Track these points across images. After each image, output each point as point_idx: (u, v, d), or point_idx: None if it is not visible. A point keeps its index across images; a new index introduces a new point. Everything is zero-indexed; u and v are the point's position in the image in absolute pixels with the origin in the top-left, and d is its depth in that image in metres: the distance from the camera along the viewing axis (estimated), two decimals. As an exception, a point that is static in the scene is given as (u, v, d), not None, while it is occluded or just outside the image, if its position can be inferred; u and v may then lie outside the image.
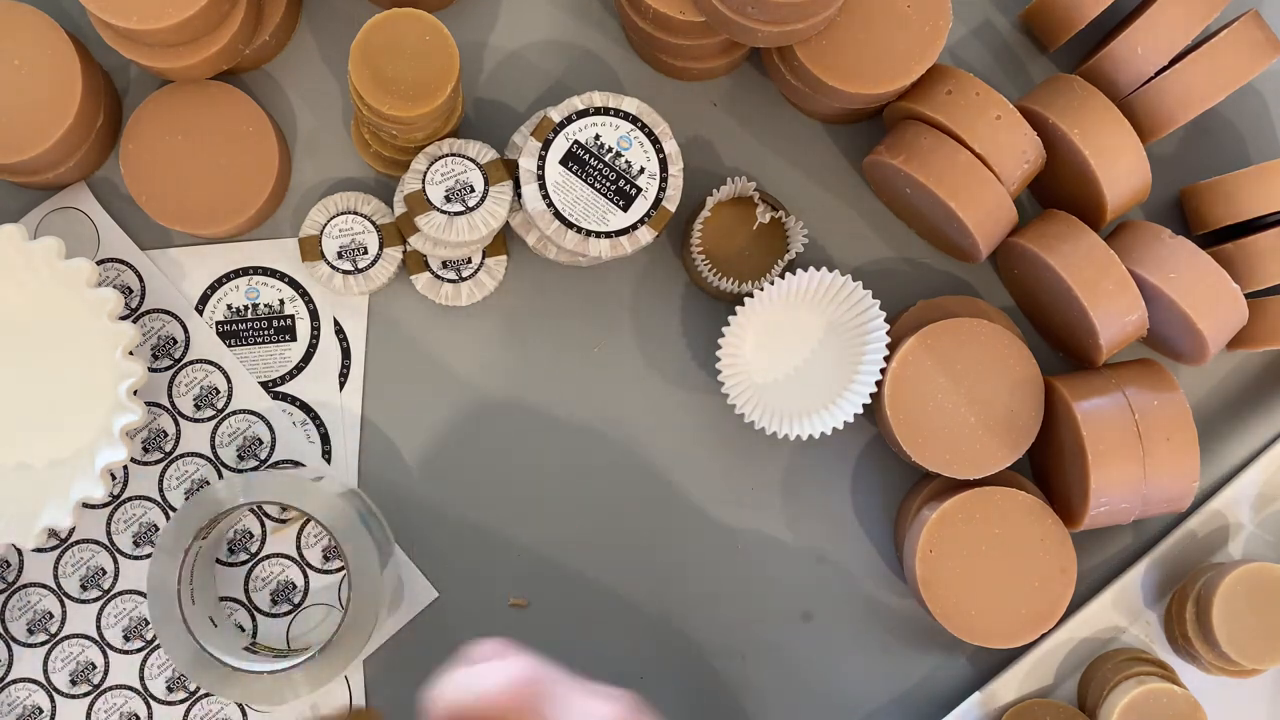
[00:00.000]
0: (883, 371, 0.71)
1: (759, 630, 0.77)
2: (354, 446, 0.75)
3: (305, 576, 0.74)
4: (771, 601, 0.77)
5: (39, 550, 0.74)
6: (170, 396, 0.75)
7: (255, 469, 0.75)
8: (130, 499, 0.74)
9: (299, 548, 0.74)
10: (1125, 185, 0.70)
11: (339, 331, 0.75)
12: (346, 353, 0.75)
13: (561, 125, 0.70)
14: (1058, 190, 0.73)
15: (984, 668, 0.77)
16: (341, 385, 0.75)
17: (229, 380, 0.75)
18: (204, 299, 0.75)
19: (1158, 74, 0.70)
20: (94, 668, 0.74)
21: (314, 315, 0.75)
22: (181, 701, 0.74)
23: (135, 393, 0.70)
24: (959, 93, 0.69)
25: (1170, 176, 0.77)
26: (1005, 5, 0.78)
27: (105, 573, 0.74)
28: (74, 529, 0.74)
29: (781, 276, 0.73)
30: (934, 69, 0.69)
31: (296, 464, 0.75)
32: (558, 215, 0.70)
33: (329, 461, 0.75)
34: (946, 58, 0.77)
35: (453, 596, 0.76)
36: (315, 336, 0.75)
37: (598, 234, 0.70)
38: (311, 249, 0.73)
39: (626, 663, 0.76)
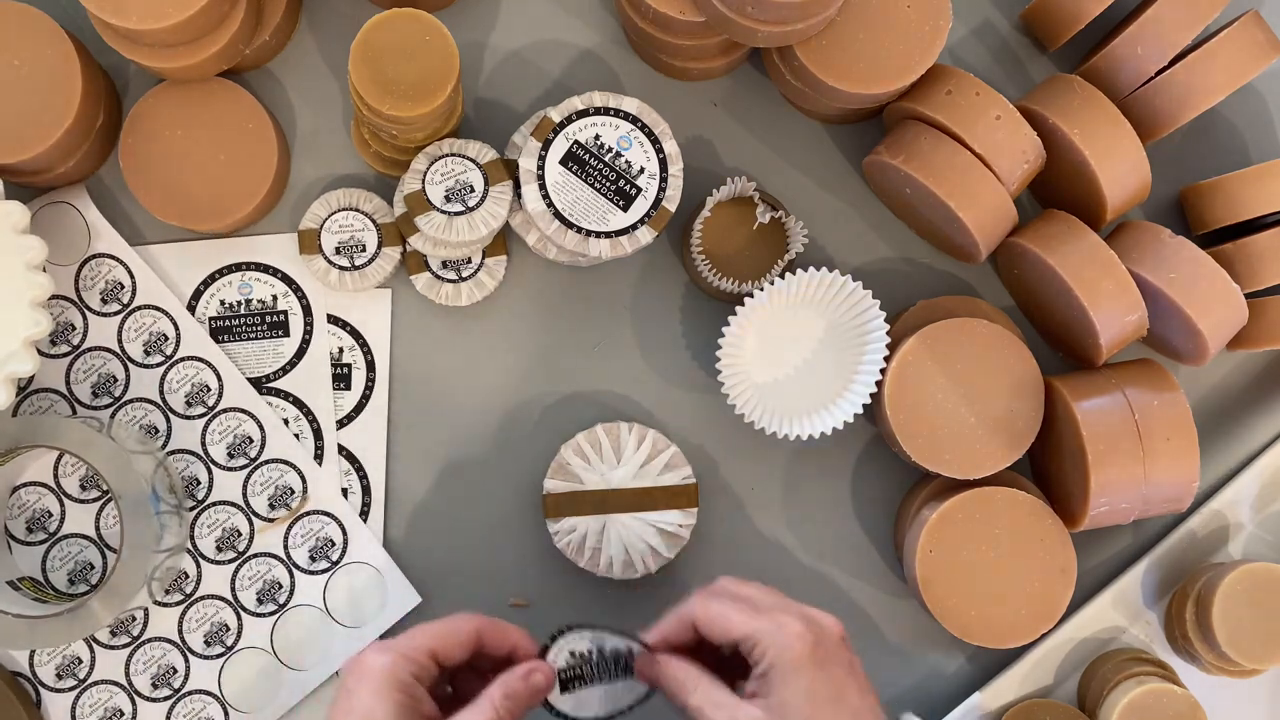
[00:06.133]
0: (883, 371, 0.71)
1: (759, 630, 0.76)
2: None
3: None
4: (771, 601, 0.76)
5: (24, 545, 0.74)
6: (162, 393, 0.74)
7: (245, 468, 0.74)
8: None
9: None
10: (1125, 185, 0.70)
11: (353, 331, 0.75)
12: (345, 351, 0.75)
13: (561, 125, 0.70)
14: (1058, 190, 0.73)
15: (984, 668, 0.77)
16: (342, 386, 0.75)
17: (220, 378, 0.74)
18: (197, 294, 0.75)
19: (1158, 74, 0.70)
20: (80, 662, 0.74)
21: (307, 310, 0.75)
22: (166, 699, 0.74)
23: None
24: (959, 93, 0.69)
25: (1170, 176, 0.77)
26: (1005, 5, 0.78)
27: (93, 568, 0.74)
28: (67, 534, 0.74)
29: (781, 276, 0.73)
30: (934, 69, 0.69)
31: (287, 463, 0.75)
32: (558, 215, 0.70)
33: (321, 459, 0.75)
34: (946, 58, 0.77)
35: (452, 596, 0.76)
36: (309, 332, 0.75)
37: (598, 234, 0.70)
38: (310, 242, 0.73)
39: (626, 663, 0.76)
